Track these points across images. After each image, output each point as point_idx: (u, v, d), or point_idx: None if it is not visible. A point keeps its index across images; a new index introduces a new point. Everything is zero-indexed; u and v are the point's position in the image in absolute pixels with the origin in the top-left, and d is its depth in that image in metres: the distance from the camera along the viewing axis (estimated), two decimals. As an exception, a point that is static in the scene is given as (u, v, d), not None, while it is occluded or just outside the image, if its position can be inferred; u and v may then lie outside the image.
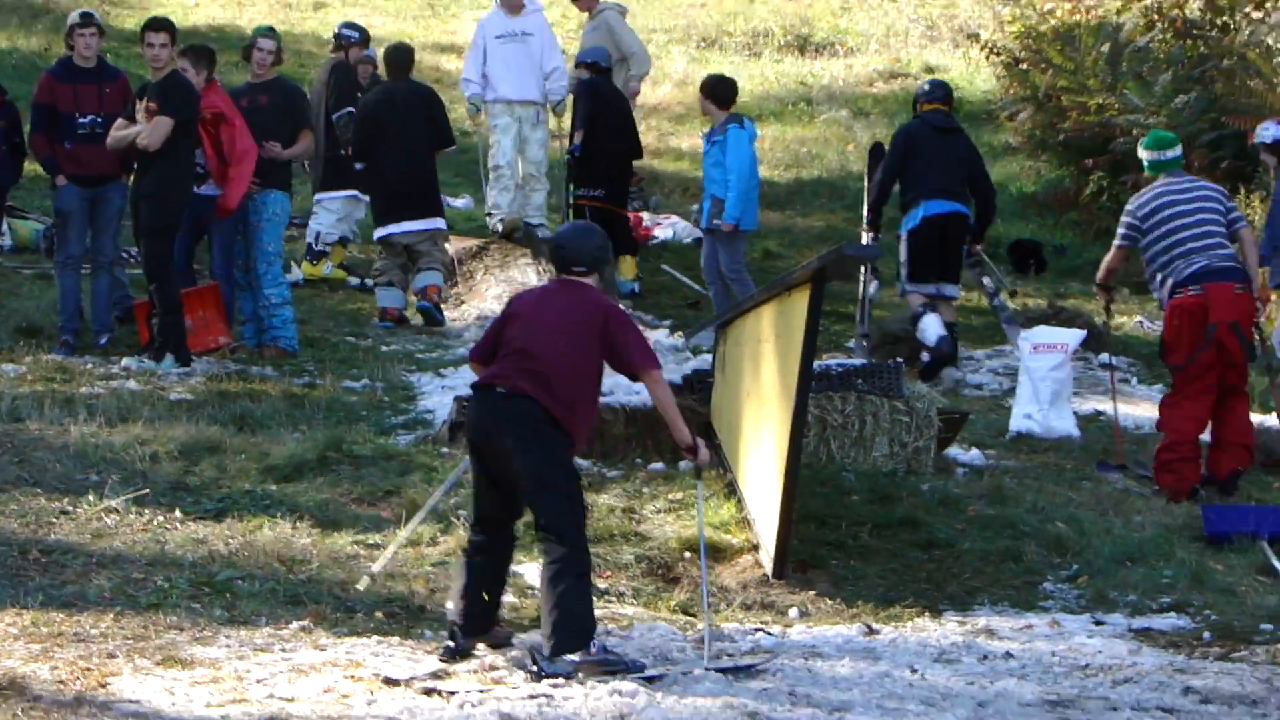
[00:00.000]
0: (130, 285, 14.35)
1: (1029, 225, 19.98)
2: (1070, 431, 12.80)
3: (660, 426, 9.58)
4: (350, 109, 15.65)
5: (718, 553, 9.98)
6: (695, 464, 8.62)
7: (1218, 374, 11.58)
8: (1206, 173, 16.26)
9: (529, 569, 9.16)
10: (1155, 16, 19.72)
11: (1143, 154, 12.15)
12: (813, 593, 9.63)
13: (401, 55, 15.59)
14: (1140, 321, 16.53)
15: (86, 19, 13.61)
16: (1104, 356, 14.18)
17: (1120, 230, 11.99)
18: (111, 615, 8.33)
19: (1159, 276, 11.71)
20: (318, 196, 16.28)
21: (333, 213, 16.19)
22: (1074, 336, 13.38)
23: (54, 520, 9.62)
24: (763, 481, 9.85)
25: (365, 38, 16.75)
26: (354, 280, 16.41)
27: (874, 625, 9.11)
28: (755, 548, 9.95)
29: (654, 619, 9.01)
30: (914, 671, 8.18)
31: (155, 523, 9.71)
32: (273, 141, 13.88)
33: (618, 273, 16.22)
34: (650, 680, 7.69)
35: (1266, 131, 13.87)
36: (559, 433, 8.02)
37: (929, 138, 14.41)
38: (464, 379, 11.82)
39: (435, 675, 7.72)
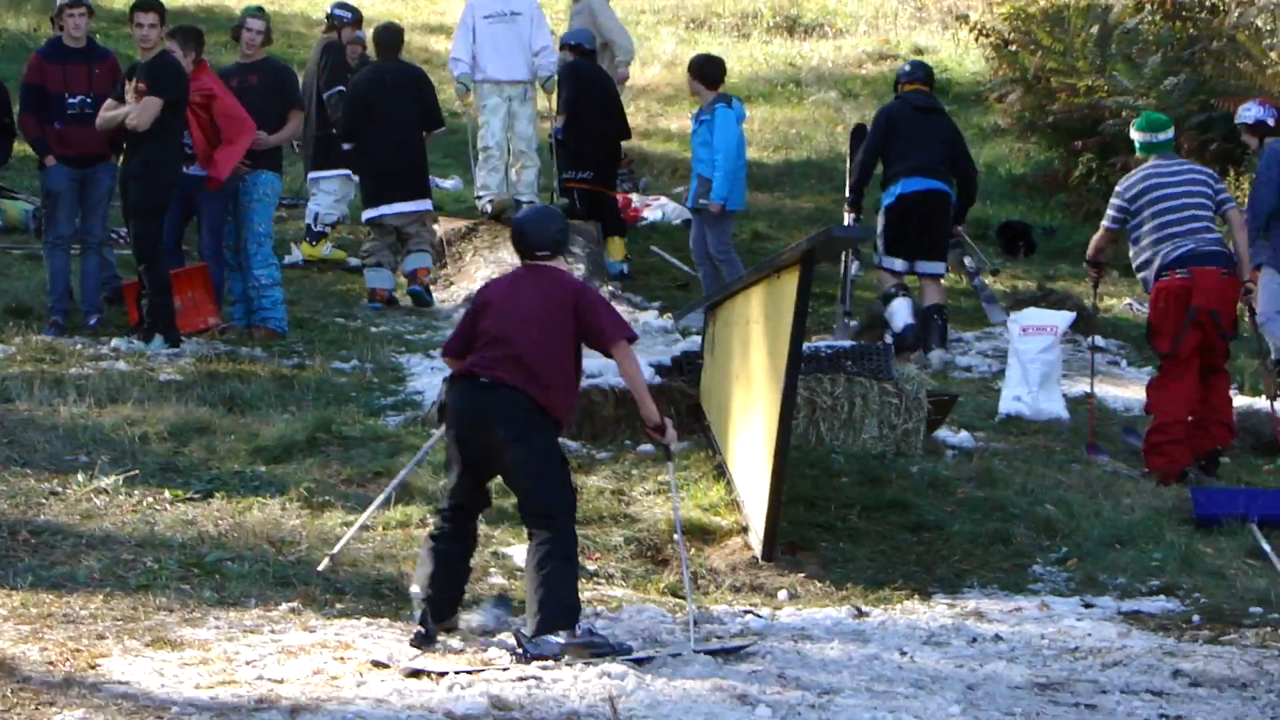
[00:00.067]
0: (119, 266, 14.31)
1: (1018, 207, 19.97)
2: (1060, 414, 12.79)
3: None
4: (341, 88, 15.60)
5: (707, 535, 9.99)
6: (664, 443, 8.40)
7: (1199, 354, 11.61)
8: (1196, 155, 16.28)
9: (517, 550, 9.16)
10: (1145, -2, 19.72)
11: (1135, 135, 12.14)
12: (802, 575, 9.63)
13: (391, 35, 15.56)
14: (1129, 304, 16.53)
15: (76, 0, 13.57)
16: (1095, 338, 14.18)
17: (1109, 212, 12.02)
18: (101, 596, 8.32)
19: (1145, 258, 11.73)
20: (312, 176, 16.21)
21: (330, 194, 16.15)
22: (1063, 319, 13.35)
23: (43, 501, 9.62)
24: (752, 463, 9.85)
25: (358, 17, 16.68)
26: (354, 261, 16.37)
27: (863, 608, 9.11)
28: (744, 530, 9.95)
29: (643, 601, 9.01)
30: (903, 654, 8.20)
31: (145, 503, 9.71)
32: (260, 130, 13.79)
33: (606, 254, 16.19)
34: (639, 662, 7.68)
35: (1249, 112, 13.81)
36: (546, 420, 8.00)
37: (910, 118, 14.42)
38: (453, 360, 11.79)
39: (418, 658, 7.71)
